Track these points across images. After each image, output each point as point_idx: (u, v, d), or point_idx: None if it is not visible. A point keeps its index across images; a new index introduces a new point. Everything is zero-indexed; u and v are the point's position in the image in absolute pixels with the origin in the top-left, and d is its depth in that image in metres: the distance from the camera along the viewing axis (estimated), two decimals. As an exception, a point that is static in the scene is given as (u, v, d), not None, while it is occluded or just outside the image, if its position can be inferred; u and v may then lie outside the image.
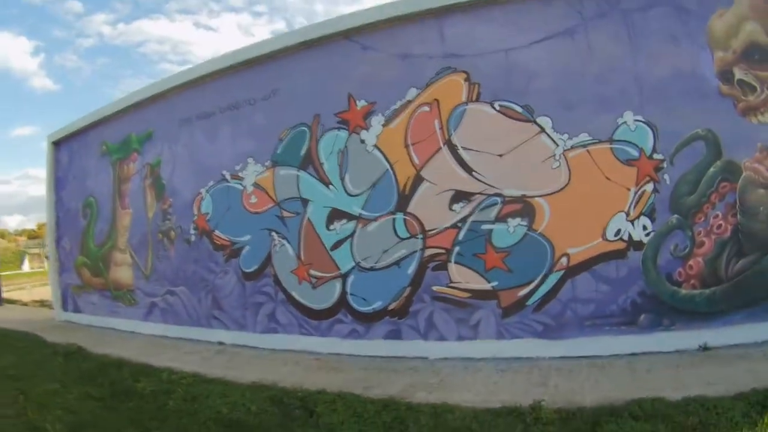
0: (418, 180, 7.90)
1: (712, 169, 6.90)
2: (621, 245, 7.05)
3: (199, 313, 10.26)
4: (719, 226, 6.93)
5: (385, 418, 5.49)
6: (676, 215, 6.98)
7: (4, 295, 21.06)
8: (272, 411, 5.92)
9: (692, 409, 4.90)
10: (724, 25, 7.09)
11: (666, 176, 6.96)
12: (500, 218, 7.44)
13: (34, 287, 26.40)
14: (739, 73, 6.99)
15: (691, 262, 6.93)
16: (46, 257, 42.63)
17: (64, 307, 14.49)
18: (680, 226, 6.97)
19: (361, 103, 8.32)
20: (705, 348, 6.70)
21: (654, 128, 6.98)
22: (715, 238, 6.91)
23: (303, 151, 8.81)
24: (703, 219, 6.93)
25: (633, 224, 7.03)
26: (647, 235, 7.00)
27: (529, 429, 4.97)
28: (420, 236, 7.87)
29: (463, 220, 7.61)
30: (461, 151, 7.64)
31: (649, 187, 6.99)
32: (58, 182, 14.45)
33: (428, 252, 7.82)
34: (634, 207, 7.02)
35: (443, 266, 7.74)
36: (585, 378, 6.21)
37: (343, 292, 8.46)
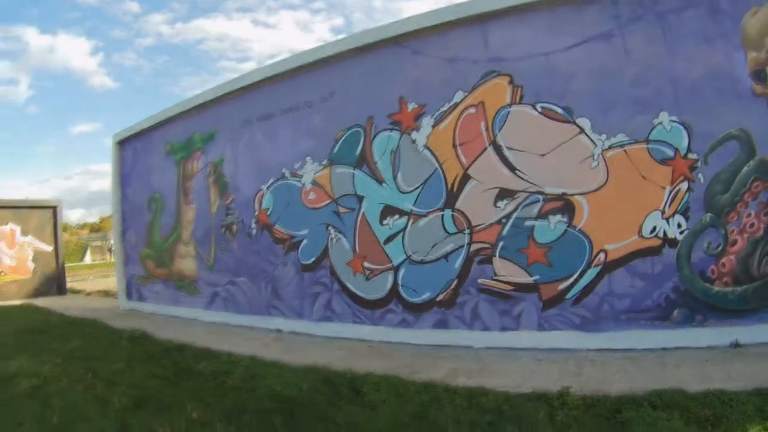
0: (465, 178, 8.41)
1: (745, 168, 7.14)
2: (656, 242, 7.38)
3: (258, 302, 10.95)
4: (752, 224, 7.17)
5: (423, 397, 6.01)
6: (709, 213, 7.24)
7: (69, 285, 22.20)
8: (323, 390, 6.48)
9: (709, 402, 5.25)
10: (757, 23, 7.28)
11: (700, 175, 7.25)
12: (542, 215, 7.88)
13: (96, 278, 27.50)
14: None
15: (723, 260, 7.21)
16: (109, 250, 44.00)
17: (129, 297, 15.41)
18: (714, 225, 7.24)
19: (411, 106, 8.87)
20: (736, 345, 6.96)
21: (689, 128, 7.28)
22: (748, 236, 7.16)
23: (358, 151, 9.43)
24: (736, 218, 7.18)
25: (668, 222, 7.35)
26: (681, 232, 7.30)
27: (555, 412, 5.40)
28: (467, 231, 8.38)
29: (507, 216, 8.08)
30: (506, 151, 8.12)
31: (684, 186, 7.30)
32: (123, 179, 15.38)
33: (474, 246, 8.33)
34: (669, 205, 7.34)
35: (488, 260, 8.23)
36: (616, 369, 6.60)
37: (395, 284, 9.03)
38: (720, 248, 7.24)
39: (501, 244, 8.16)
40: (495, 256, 8.20)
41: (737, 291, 7.20)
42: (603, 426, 5.08)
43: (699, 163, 7.27)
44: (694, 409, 5.12)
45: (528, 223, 7.98)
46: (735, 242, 7.20)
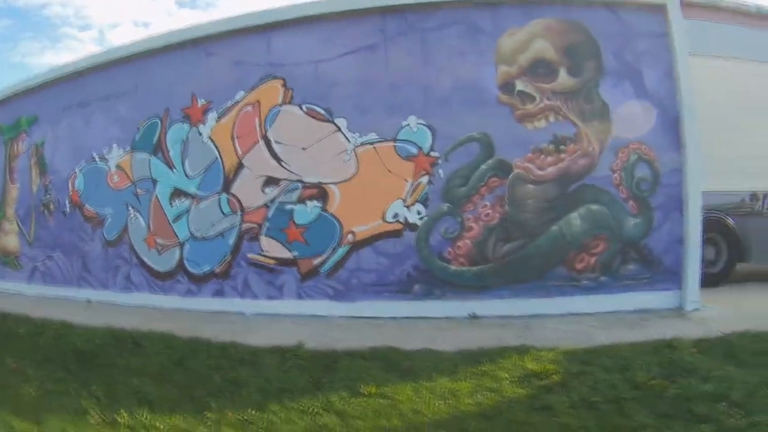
0: (239, 167, 9.11)
1: (483, 167, 8.13)
2: (398, 226, 8.32)
3: (72, 275, 11.27)
4: (487, 214, 8.15)
5: (186, 349, 6.86)
6: (447, 203, 8.20)
7: None
8: (112, 344, 7.28)
9: (414, 357, 6.16)
10: (513, 42, 8.23)
11: (441, 171, 8.22)
12: (301, 200, 8.69)
13: None
14: (520, 85, 8.18)
15: (459, 243, 8.18)
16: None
17: (-40, 273, 15.22)
18: (450, 213, 8.19)
19: (201, 101, 9.48)
20: (474, 317, 7.91)
21: (433, 130, 8.23)
22: (483, 224, 8.14)
23: (155, 139, 9.94)
24: (472, 207, 8.16)
25: (409, 209, 8.28)
26: (421, 219, 8.25)
27: (286, 361, 6.28)
28: (239, 213, 9.10)
29: (272, 200, 8.85)
30: (274, 145, 8.87)
31: (425, 179, 8.25)
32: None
33: (245, 226, 9.07)
34: (411, 195, 8.27)
35: (256, 238, 8.98)
36: (356, 332, 7.48)
37: (181, 258, 9.66)
38: (456, 233, 8.19)
39: (267, 224, 8.92)
40: (262, 234, 8.96)
41: (473, 270, 8.16)
42: (317, 369, 5.97)
43: (440, 161, 8.23)
44: (398, 362, 6.03)
45: (289, 206, 8.76)
46: (471, 228, 8.17)
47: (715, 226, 10.14)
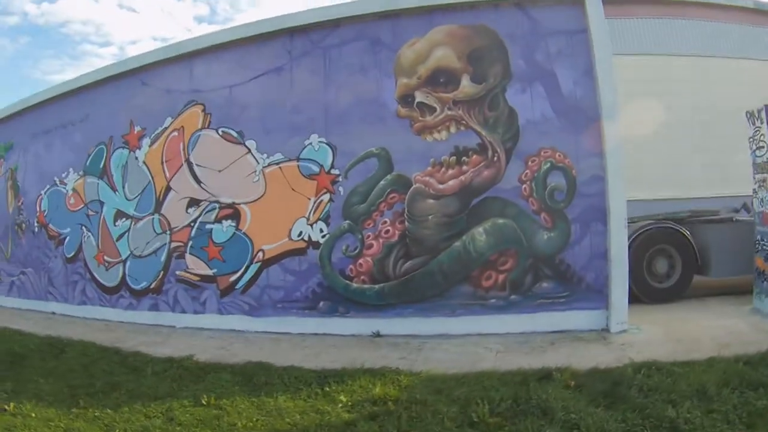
0: (168, 189, 9.91)
1: (382, 182, 8.33)
2: (302, 244, 8.77)
3: (40, 289, 12.30)
4: (387, 231, 8.31)
5: (97, 356, 7.85)
6: (347, 221, 8.49)
7: None
8: (43, 349, 8.40)
9: (275, 373, 6.51)
10: (414, 53, 8.20)
11: (341, 188, 8.58)
12: (218, 220, 9.37)
13: None
14: (420, 96, 8.13)
15: (360, 261, 8.41)
16: None
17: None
18: (351, 230, 8.46)
19: (137, 128, 10.32)
20: (378, 335, 8.02)
21: (334, 148, 8.60)
22: (384, 241, 8.32)
23: (102, 164, 10.84)
24: (372, 224, 8.38)
25: (312, 227, 8.73)
26: (323, 237, 8.63)
27: (173, 369, 7.03)
28: (168, 232, 9.87)
29: (195, 220, 9.57)
30: (195, 168, 9.62)
31: (326, 197, 8.66)
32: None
33: (173, 245, 9.83)
34: (314, 213, 8.72)
35: (182, 255, 9.73)
36: (255, 347, 8.00)
37: (124, 274, 10.50)
38: (357, 251, 8.43)
39: (191, 243, 9.66)
40: (187, 252, 9.70)
41: (375, 288, 8.33)
42: (188, 379, 6.68)
43: (340, 178, 8.60)
44: (257, 377, 6.49)
45: (208, 226, 9.46)
46: (371, 246, 8.39)
47: (667, 237, 9.68)
